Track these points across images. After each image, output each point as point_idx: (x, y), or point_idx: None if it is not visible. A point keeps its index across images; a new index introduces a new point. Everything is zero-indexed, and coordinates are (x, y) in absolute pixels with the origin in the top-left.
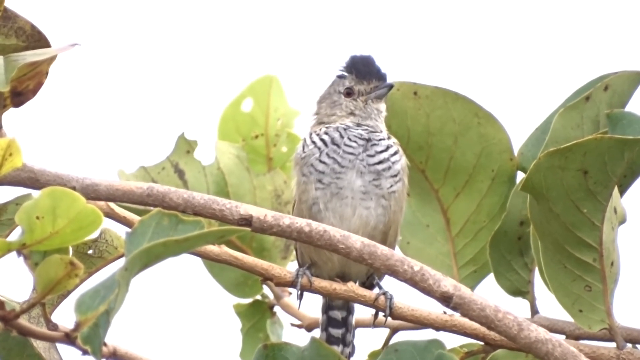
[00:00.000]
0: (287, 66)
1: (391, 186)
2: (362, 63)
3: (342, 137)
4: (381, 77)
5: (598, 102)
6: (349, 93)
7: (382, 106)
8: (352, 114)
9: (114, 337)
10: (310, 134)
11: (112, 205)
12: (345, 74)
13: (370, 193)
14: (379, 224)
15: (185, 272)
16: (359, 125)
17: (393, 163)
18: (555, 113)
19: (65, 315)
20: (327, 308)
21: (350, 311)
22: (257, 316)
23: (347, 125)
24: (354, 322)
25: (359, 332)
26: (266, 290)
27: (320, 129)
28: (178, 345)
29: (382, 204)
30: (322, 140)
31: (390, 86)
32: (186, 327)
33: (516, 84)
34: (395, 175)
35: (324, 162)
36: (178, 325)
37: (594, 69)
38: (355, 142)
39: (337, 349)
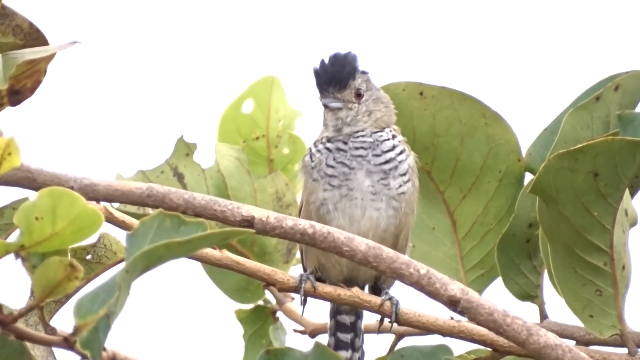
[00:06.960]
0: (288, 67)
1: (400, 186)
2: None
3: (345, 143)
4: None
5: (608, 102)
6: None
7: (361, 108)
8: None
9: (114, 342)
10: (315, 144)
11: (110, 209)
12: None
13: (380, 194)
14: (390, 226)
15: (186, 276)
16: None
17: (400, 162)
18: (565, 113)
19: (63, 322)
20: (335, 312)
21: (359, 316)
22: (259, 322)
23: (348, 134)
24: (362, 327)
25: (366, 337)
26: (268, 295)
27: (322, 139)
28: (179, 352)
29: (392, 205)
30: (327, 148)
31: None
32: (187, 333)
33: (524, 83)
34: (404, 174)
35: (331, 166)
36: (179, 331)
37: (604, 68)
38: (361, 146)
39: (346, 354)
